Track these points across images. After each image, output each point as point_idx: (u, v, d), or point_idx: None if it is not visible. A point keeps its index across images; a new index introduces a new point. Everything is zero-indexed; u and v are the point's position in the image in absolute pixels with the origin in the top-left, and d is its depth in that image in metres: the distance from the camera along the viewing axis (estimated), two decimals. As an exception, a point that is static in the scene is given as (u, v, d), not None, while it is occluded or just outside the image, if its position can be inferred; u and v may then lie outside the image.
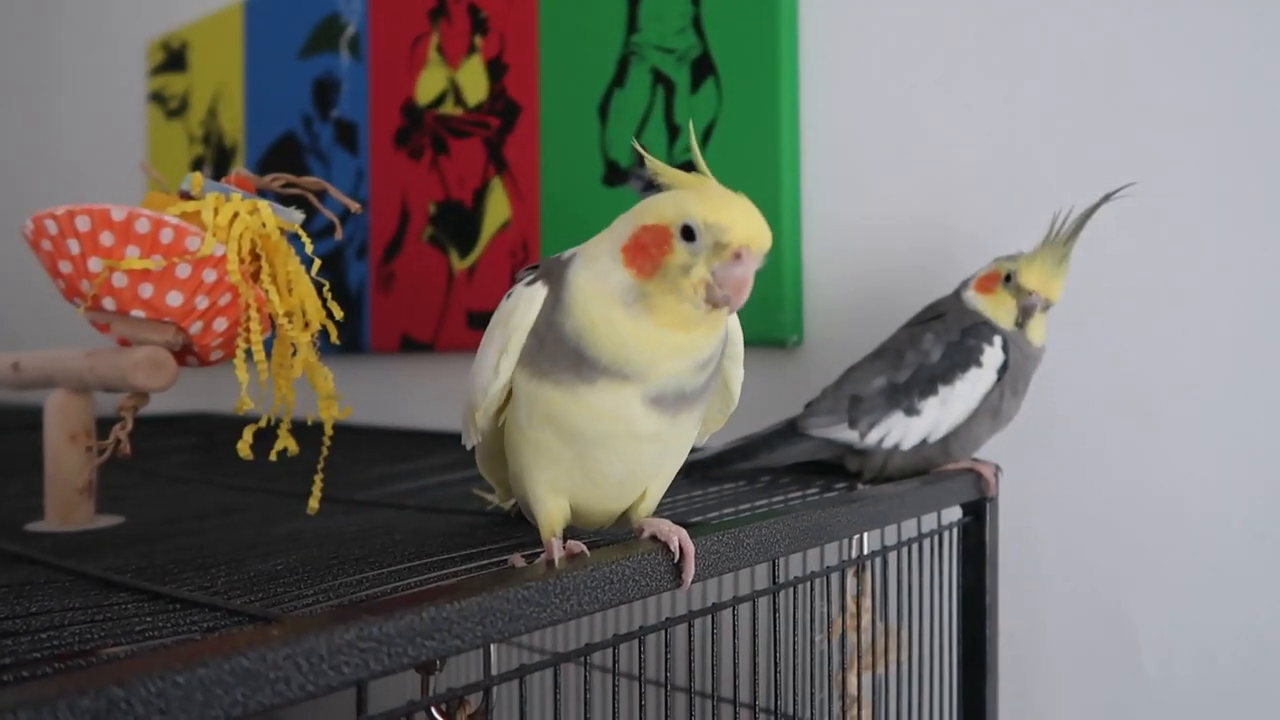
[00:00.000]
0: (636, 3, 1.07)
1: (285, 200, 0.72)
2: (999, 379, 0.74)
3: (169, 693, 0.30)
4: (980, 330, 0.75)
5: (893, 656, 0.71)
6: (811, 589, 0.60)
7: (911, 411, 0.74)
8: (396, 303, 1.31)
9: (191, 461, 1.07)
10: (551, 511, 0.52)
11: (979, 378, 0.74)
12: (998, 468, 0.77)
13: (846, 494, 0.68)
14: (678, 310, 0.47)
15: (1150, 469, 0.81)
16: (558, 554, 0.48)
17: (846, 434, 0.75)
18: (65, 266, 0.66)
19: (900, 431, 0.74)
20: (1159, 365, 0.80)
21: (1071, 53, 0.84)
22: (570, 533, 0.53)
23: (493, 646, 0.46)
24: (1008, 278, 0.75)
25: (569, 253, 0.52)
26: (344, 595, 0.47)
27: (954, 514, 0.77)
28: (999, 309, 0.75)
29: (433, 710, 0.53)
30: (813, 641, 0.62)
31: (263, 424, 0.70)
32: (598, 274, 0.49)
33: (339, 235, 0.74)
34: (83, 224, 0.64)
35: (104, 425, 0.70)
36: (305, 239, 0.71)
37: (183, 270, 0.65)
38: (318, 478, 0.71)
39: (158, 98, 1.70)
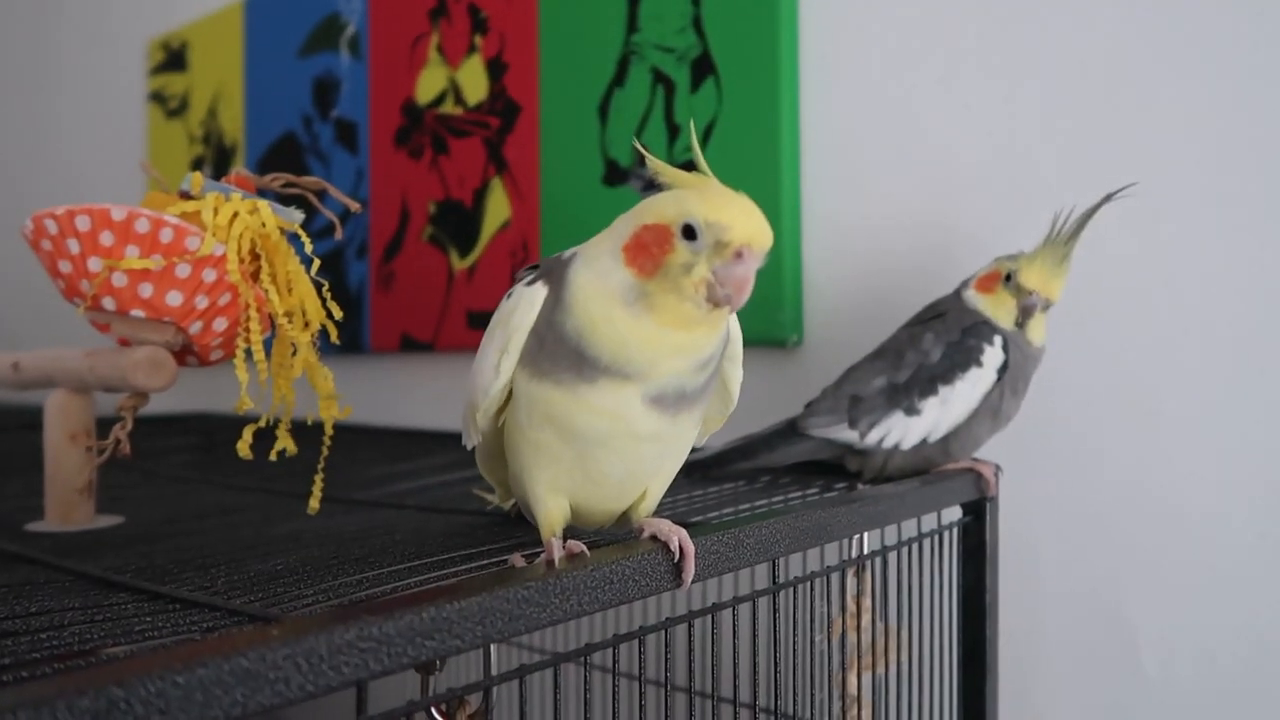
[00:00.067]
0: (636, 2, 1.07)
1: (285, 200, 0.72)
2: (999, 379, 0.74)
3: (169, 693, 0.30)
4: (980, 330, 0.75)
5: (893, 656, 0.71)
6: (811, 589, 0.60)
7: (911, 411, 0.74)
8: (396, 302, 1.31)
9: (191, 461, 1.07)
10: (551, 511, 0.52)
11: (979, 377, 0.74)
12: (998, 468, 0.77)
13: (846, 494, 0.68)
14: (679, 309, 0.47)
15: (1150, 469, 0.81)
16: (558, 554, 0.48)
17: (846, 434, 0.75)
18: (65, 266, 0.66)
19: (900, 431, 0.74)
20: (1159, 365, 0.80)
21: (1071, 53, 0.84)
22: (570, 533, 0.53)
23: (493, 646, 0.46)
24: (1008, 277, 0.75)
25: (569, 252, 0.52)
26: (344, 595, 0.47)
27: (954, 514, 0.77)
28: (999, 309, 0.75)
29: (433, 710, 0.53)
30: (813, 641, 0.62)
31: (263, 424, 0.70)
32: (598, 273, 0.49)
33: (339, 235, 0.74)
34: (83, 224, 0.64)
35: (104, 425, 0.70)
36: (305, 239, 0.71)
37: (182, 270, 0.65)
38: (318, 478, 0.71)
39: (158, 97, 1.70)
